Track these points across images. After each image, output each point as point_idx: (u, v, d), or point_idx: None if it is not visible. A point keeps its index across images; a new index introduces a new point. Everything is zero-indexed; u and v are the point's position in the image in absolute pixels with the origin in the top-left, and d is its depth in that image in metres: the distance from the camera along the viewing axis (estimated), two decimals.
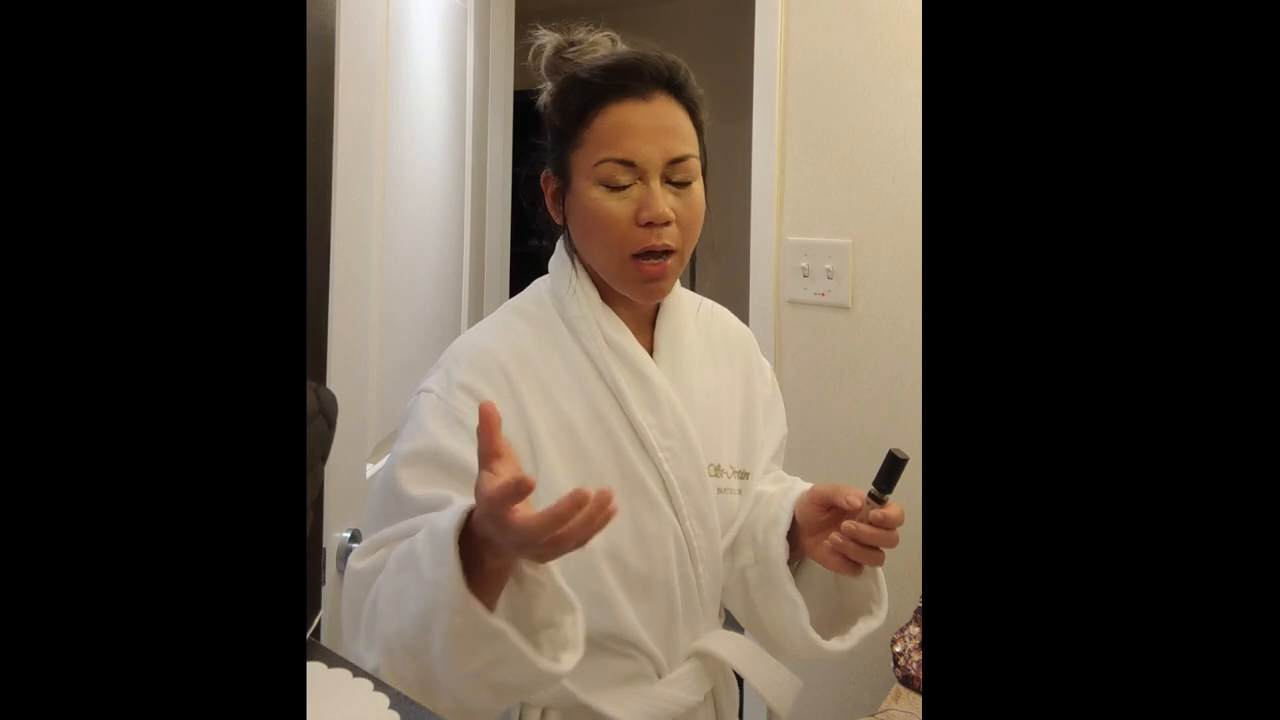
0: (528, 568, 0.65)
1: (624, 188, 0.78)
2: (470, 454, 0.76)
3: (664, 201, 0.78)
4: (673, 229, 0.79)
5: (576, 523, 0.55)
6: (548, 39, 0.85)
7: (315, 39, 1.09)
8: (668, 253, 0.79)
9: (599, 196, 0.78)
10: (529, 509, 0.57)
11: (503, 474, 0.58)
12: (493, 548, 0.61)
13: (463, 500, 0.67)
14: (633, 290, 0.82)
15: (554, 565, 0.64)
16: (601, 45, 0.84)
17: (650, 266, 0.79)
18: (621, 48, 0.84)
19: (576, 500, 0.54)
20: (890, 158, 1.47)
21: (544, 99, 0.85)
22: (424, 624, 0.63)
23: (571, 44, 0.85)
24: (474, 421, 0.77)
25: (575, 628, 0.66)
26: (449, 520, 0.63)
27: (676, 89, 0.80)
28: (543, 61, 0.85)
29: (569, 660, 0.64)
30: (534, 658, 0.62)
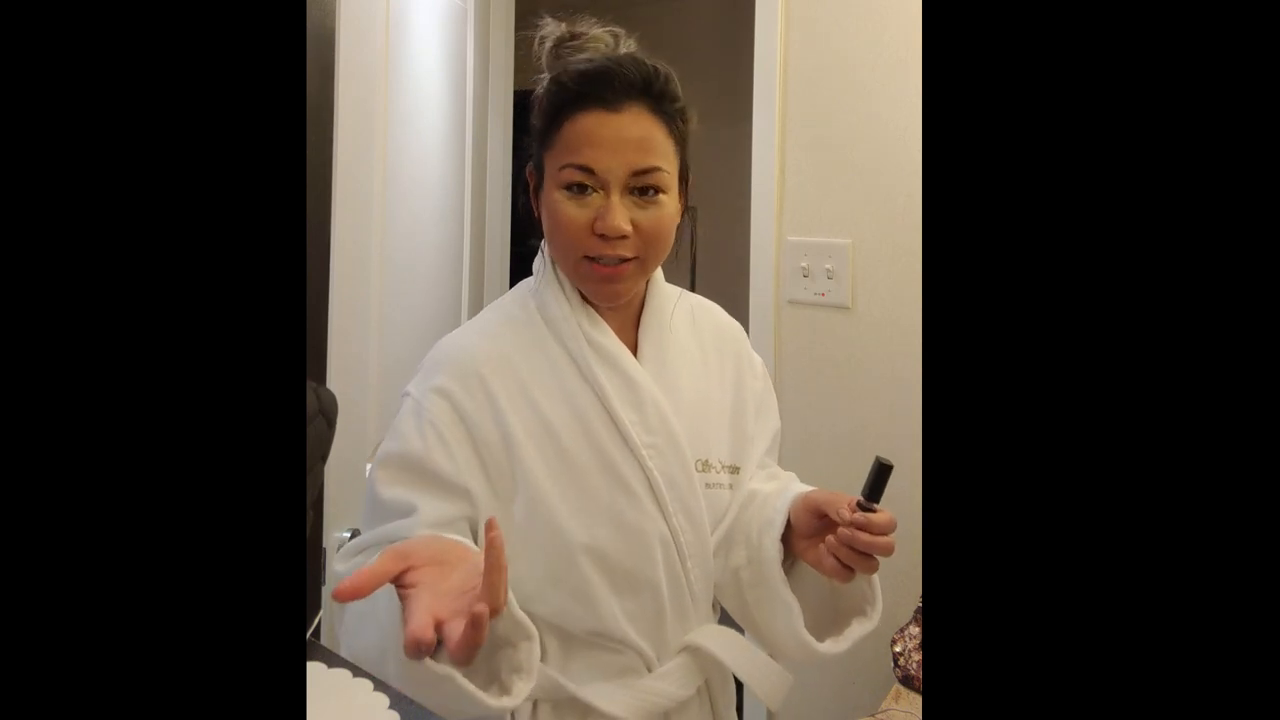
0: None
1: (585, 194, 0.78)
2: (437, 457, 0.78)
3: (622, 214, 0.77)
4: (630, 241, 0.78)
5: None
6: (550, 30, 0.84)
7: (315, 38, 1.09)
8: (623, 260, 0.79)
9: (560, 199, 0.78)
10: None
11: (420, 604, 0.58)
12: None
13: (421, 530, 0.72)
14: (589, 290, 0.82)
15: (511, 593, 0.64)
16: (602, 41, 0.84)
17: (603, 267, 0.79)
18: (626, 44, 0.84)
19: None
20: (890, 158, 1.47)
21: (535, 93, 0.84)
22: (380, 657, 0.67)
23: (573, 37, 0.84)
24: (445, 426, 0.79)
25: (530, 654, 0.67)
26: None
27: (654, 99, 0.79)
28: (544, 53, 0.84)
29: (521, 689, 0.66)
30: (483, 697, 0.63)
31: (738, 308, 1.10)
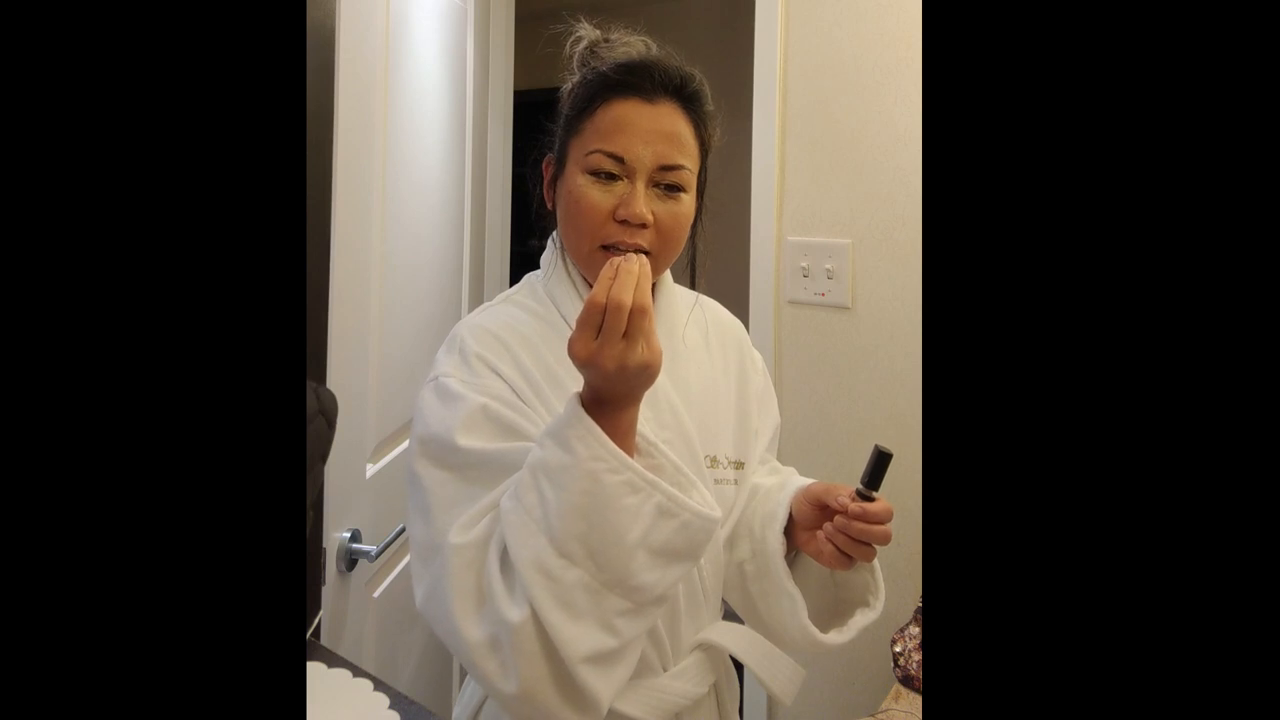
0: (641, 457, 0.69)
1: (610, 180, 0.78)
2: (508, 412, 0.76)
3: (645, 203, 0.78)
4: (648, 232, 0.78)
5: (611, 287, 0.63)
6: (586, 33, 0.86)
7: (315, 39, 1.09)
8: (639, 251, 0.78)
9: (584, 184, 0.79)
10: None
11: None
12: (600, 402, 0.66)
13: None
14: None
15: (668, 450, 0.70)
16: (634, 46, 0.85)
17: (618, 257, 0.78)
18: (653, 51, 0.86)
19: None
20: (890, 158, 1.47)
21: (565, 87, 0.86)
22: (583, 508, 0.65)
23: (606, 41, 0.86)
24: (499, 389, 0.78)
25: (703, 496, 0.70)
26: (567, 407, 0.67)
27: (686, 99, 0.80)
28: (576, 53, 0.86)
29: (711, 514, 0.69)
30: (688, 500, 0.66)
31: (738, 308, 1.10)
